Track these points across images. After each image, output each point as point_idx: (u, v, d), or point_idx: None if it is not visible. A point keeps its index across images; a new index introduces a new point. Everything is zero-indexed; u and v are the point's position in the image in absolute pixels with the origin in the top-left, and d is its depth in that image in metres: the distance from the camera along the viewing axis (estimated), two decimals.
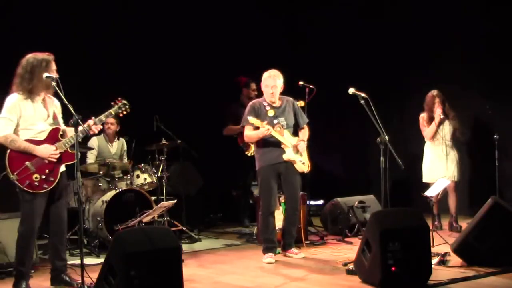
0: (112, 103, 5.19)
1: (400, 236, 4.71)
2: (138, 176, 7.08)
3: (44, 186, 4.85)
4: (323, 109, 8.17)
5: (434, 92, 7.31)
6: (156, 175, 7.18)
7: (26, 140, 4.84)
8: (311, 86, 7.25)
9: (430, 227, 5.23)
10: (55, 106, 5.08)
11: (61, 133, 4.99)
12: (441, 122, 7.25)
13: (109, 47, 7.95)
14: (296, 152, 6.10)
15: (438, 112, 7.22)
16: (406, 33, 8.68)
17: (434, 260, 5.28)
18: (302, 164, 6.13)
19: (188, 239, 7.18)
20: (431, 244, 5.51)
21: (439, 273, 5.06)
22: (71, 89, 4.90)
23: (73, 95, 4.90)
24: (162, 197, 7.20)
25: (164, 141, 7.26)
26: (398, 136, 7.44)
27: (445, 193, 7.17)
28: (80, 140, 4.81)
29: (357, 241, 6.18)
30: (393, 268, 4.65)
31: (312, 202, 8.25)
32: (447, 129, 7.31)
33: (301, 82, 7.25)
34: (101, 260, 5.51)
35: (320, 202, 8.84)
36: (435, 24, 8.46)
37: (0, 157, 4.83)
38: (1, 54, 6.71)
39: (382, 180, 5.60)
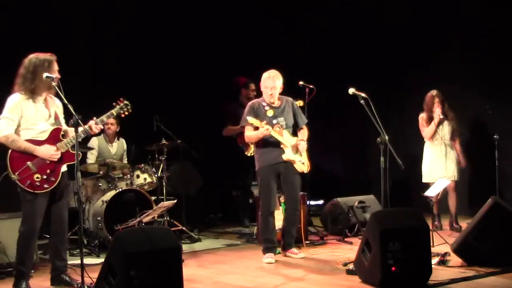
0: (114, 104, 5.18)
1: (400, 236, 4.71)
2: (138, 176, 7.08)
3: (45, 186, 4.85)
4: (323, 109, 8.17)
5: (434, 92, 7.32)
6: (156, 175, 7.18)
7: (27, 140, 4.84)
8: (311, 86, 7.25)
9: (430, 227, 5.23)
10: (57, 106, 5.08)
11: (62, 133, 4.98)
12: (440, 122, 7.25)
13: (109, 47, 7.94)
14: (296, 152, 6.09)
15: (437, 112, 7.22)
16: (406, 33, 8.69)
17: (434, 260, 5.28)
18: (302, 164, 6.13)
19: (188, 239, 7.18)
20: (431, 244, 5.51)
21: (439, 273, 5.06)
22: (71, 89, 4.91)
23: (73, 95, 4.91)
24: (162, 197, 7.19)
25: (164, 141, 7.26)
26: (398, 136, 7.45)
27: (445, 193, 7.17)
28: (80, 140, 4.81)
29: (357, 241, 6.18)
30: (393, 268, 4.65)
31: (312, 202, 8.25)
32: (446, 129, 7.30)
33: (301, 82, 7.25)
34: (101, 260, 5.51)
35: (320, 202, 8.84)
36: (435, 24, 8.46)
37: (1, 157, 4.84)
38: (1, 54, 6.73)
39: (382, 180, 5.60)
